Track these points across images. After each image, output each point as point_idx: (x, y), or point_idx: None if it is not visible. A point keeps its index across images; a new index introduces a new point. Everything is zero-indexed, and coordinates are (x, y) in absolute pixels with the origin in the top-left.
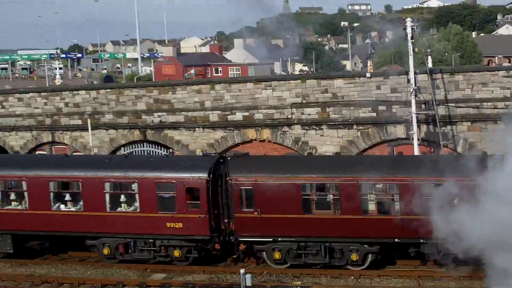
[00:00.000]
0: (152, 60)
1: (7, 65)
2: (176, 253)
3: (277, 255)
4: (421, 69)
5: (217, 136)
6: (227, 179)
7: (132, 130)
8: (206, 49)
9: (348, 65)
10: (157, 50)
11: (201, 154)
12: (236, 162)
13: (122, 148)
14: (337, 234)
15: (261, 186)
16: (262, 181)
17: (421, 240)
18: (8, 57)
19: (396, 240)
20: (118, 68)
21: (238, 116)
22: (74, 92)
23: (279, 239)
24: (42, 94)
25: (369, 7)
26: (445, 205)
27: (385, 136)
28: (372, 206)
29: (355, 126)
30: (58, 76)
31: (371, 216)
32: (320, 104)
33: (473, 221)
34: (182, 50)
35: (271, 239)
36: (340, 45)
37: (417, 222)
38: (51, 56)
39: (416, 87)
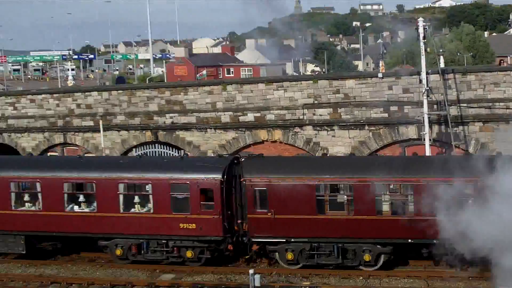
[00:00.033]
0: (164, 61)
1: (19, 67)
2: (189, 253)
3: (289, 256)
4: (433, 69)
5: (229, 137)
6: (241, 180)
7: (144, 131)
8: (218, 50)
9: (360, 65)
10: (169, 51)
11: (212, 155)
12: (250, 163)
13: (134, 149)
14: (350, 234)
15: (275, 187)
16: (276, 182)
17: (434, 241)
18: (20, 58)
19: (410, 240)
20: (130, 69)
21: (250, 117)
22: (86, 93)
23: (292, 239)
24: (54, 95)
25: (381, 6)
26: (459, 206)
27: (397, 137)
28: (385, 207)
29: (366, 127)
30: (70, 77)
31: (384, 216)
32: (331, 105)
33: (486, 221)
34: (194, 51)
35: (284, 240)
36: (352, 45)
37: (430, 223)
38: (63, 57)
39: (428, 88)
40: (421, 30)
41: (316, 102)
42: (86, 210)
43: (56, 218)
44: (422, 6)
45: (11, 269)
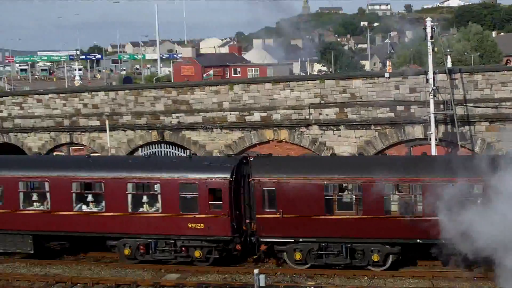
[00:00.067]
0: (171, 61)
1: (26, 67)
2: (197, 253)
3: (298, 256)
4: (440, 69)
5: (235, 136)
6: (250, 179)
7: (150, 131)
8: (225, 50)
9: (367, 65)
10: (176, 51)
11: (218, 154)
12: (258, 162)
13: (140, 149)
14: (358, 234)
15: (284, 187)
16: (284, 182)
17: (443, 241)
18: (28, 58)
19: (418, 240)
20: (137, 69)
21: (256, 116)
22: (93, 93)
23: (300, 239)
24: (61, 95)
25: (389, 6)
26: (468, 206)
27: (403, 137)
28: (394, 207)
29: (372, 127)
30: (77, 77)
31: (393, 216)
32: (338, 105)
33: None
34: (202, 51)
35: (292, 240)
36: (360, 45)
37: (439, 223)
38: (71, 57)
39: (435, 87)
40: (428, 30)
41: (322, 102)
42: (95, 209)
43: (65, 217)
44: (430, 6)
45: (16, 269)
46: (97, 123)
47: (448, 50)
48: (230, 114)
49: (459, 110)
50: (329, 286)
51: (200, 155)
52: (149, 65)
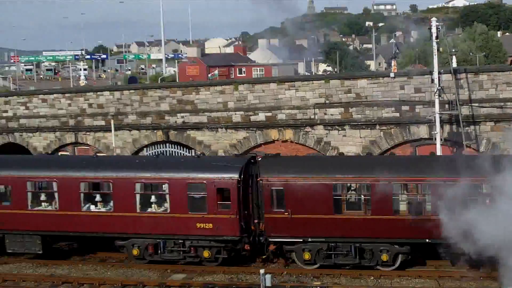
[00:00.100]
0: (176, 61)
1: (32, 66)
2: (206, 253)
3: (307, 256)
4: (445, 68)
5: (240, 136)
6: (258, 179)
7: (155, 131)
8: (230, 50)
9: (372, 65)
10: (181, 51)
11: (223, 154)
12: (267, 162)
13: (145, 149)
14: (367, 234)
15: (292, 187)
16: (293, 182)
17: (452, 241)
18: (33, 58)
19: (427, 240)
20: (143, 69)
21: (261, 116)
22: (98, 93)
23: (309, 239)
24: (66, 95)
25: (394, 6)
26: (477, 206)
27: (408, 136)
28: (403, 206)
29: (377, 126)
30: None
31: (402, 216)
32: (343, 104)
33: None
34: (207, 51)
35: (301, 240)
36: (365, 45)
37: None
38: (76, 57)
39: (440, 87)
40: (434, 30)
41: (327, 101)
42: (103, 209)
43: (73, 218)
44: (435, 6)
45: (23, 269)
46: (102, 123)
47: (453, 50)
48: (235, 114)
49: (464, 110)
50: (335, 286)
51: (208, 155)
52: (154, 65)
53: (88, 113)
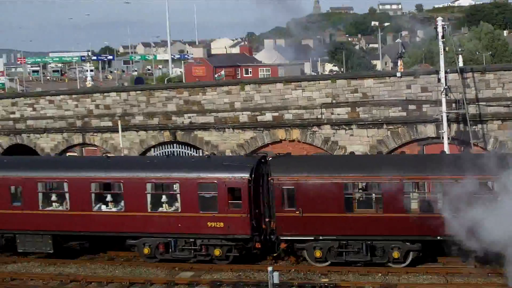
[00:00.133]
0: (182, 61)
1: (38, 68)
2: (217, 252)
3: (318, 254)
4: (452, 68)
5: (247, 136)
6: (269, 178)
7: (162, 131)
8: (236, 50)
9: (379, 64)
10: (187, 51)
11: (231, 154)
12: (278, 162)
13: (152, 149)
14: (379, 232)
15: (303, 186)
16: (304, 181)
17: (462, 238)
18: (39, 59)
19: (439, 238)
20: (149, 69)
21: (268, 116)
22: (104, 94)
23: (320, 237)
24: (73, 96)
25: (400, 6)
26: (488, 204)
27: (415, 136)
28: (414, 204)
29: (384, 126)
30: (89, 78)
31: (413, 214)
32: (350, 104)
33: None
34: (213, 51)
35: (312, 238)
36: (371, 45)
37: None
38: (82, 58)
39: (446, 86)
40: (440, 29)
41: (334, 101)
42: (114, 209)
43: (84, 217)
44: (441, 6)
45: (31, 268)
46: (109, 123)
47: (459, 50)
48: (242, 114)
49: (471, 109)
50: (343, 283)
51: (219, 155)
52: (160, 66)
53: (95, 114)
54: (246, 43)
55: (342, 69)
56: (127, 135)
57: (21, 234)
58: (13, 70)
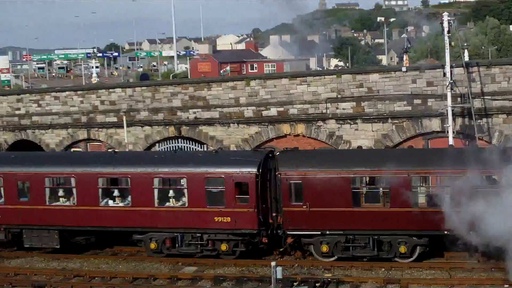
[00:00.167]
0: (188, 57)
1: (44, 65)
2: (224, 247)
3: (324, 248)
4: (457, 62)
5: (252, 131)
6: (277, 173)
7: (167, 127)
8: (241, 46)
9: (384, 60)
10: (193, 48)
11: (236, 149)
12: (285, 156)
13: (157, 144)
14: (386, 226)
15: (310, 180)
16: (311, 175)
17: (470, 232)
18: (45, 56)
19: (446, 232)
20: (154, 66)
21: (273, 111)
22: (110, 90)
23: (327, 232)
24: (79, 92)
25: (405, 1)
26: (495, 198)
27: (420, 130)
28: (421, 199)
29: (389, 120)
30: (94, 75)
31: (420, 208)
32: (355, 99)
33: None
34: (218, 48)
35: (319, 232)
36: (376, 40)
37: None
38: (88, 55)
39: (452, 81)
40: (445, 24)
41: (339, 96)
42: (121, 204)
43: (91, 212)
44: (447, 1)
45: (34, 263)
46: (114, 119)
47: (465, 44)
48: (247, 109)
49: (477, 103)
50: (346, 278)
51: (226, 149)
52: (166, 62)
53: (100, 110)
54: (251, 39)
55: (347, 65)
56: (132, 130)
57: (27, 229)
58: (18, 67)
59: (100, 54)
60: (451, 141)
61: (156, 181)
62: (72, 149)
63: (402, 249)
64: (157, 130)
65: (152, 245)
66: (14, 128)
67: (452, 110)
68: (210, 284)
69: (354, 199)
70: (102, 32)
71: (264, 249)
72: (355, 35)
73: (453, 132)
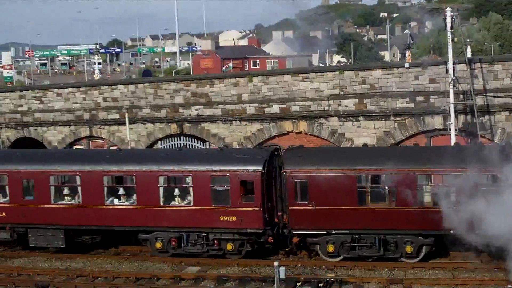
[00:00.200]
0: (190, 53)
1: (46, 61)
2: (229, 246)
3: (330, 248)
4: (460, 59)
5: (254, 128)
6: (282, 171)
7: (169, 124)
8: (244, 42)
9: (387, 56)
10: (195, 43)
11: (237, 146)
12: (291, 154)
13: (159, 142)
14: (392, 226)
15: (316, 179)
16: (317, 174)
17: (477, 232)
18: (47, 53)
19: (452, 232)
20: (157, 62)
21: (275, 108)
22: (112, 86)
23: (333, 231)
24: (81, 89)
25: None
26: (502, 197)
27: (422, 127)
28: (428, 198)
29: (392, 117)
30: (96, 71)
31: (427, 207)
32: (357, 96)
33: None
34: (221, 44)
35: (325, 232)
36: (379, 36)
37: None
38: (90, 51)
39: (454, 77)
40: (448, 20)
41: (341, 93)
42: (126, 203)
43: (96, 211)
44: None
45: (38, 263)
46: (117, 116)
47: (468, 40)
48: (249, 106)
49: (479, 100)
50: (349, 278)
51: (232, 147)
52: (168, 58)
53: (102, 107)
54: (254, 35)
55: (350, 61)
56: (134, 127)
57: (33, 229)
58: (21, 63)
59: (103, 50)
60: (453, 139)
61: (161, 179)
62: (75, 147)
63: (408, 248)
64: (159, 128)
65: (158, 245)
66: (16, 125)
67: (455, 107)
68: (213, 284)
69: (360, 198)
70: (105, 28)
71: (270, 249)
72: (357, 31)
73: (456, 130)
